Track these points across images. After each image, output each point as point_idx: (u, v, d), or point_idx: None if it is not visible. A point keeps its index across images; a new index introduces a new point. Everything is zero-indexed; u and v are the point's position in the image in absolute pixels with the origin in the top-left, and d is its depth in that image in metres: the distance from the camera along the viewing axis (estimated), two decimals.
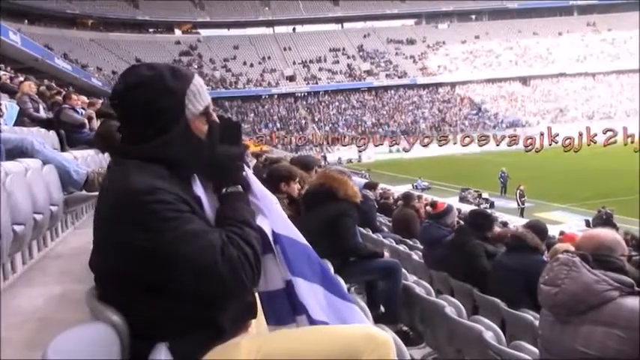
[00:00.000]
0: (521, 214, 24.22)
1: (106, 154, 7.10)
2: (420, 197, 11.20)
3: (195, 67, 72.10)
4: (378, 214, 10.45)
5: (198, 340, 1.63)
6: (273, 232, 1.91)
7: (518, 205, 26.52)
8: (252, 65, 74.00)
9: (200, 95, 1.80)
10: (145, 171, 1.64)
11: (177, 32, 79.72)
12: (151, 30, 77.35)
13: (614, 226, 17.38)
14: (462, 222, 8.07)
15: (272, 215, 1.94)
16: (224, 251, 1.58)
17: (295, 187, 4.46)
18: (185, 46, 75.59)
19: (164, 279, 1.58)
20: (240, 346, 1.65)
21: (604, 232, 2.90)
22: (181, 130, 1.74)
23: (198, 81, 1.82)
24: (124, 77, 1.76)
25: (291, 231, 1.98)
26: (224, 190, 1.80)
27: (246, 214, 1.75)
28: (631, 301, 2.49)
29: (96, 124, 8.59)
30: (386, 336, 1.69)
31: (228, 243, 1.60)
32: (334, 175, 4.75)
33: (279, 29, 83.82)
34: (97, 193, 1.82)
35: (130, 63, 64.49)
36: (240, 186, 1.83)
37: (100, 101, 12.94)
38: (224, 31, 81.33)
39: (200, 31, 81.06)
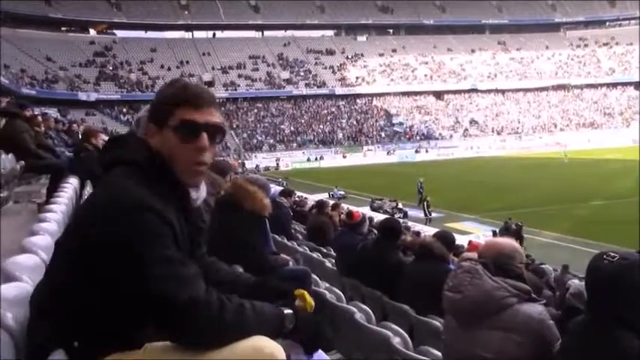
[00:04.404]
0: (428, 224, 24.84)
1: (10, 155, 6.69)
2: (337, 206, 11.31)
3: (110, 68, 70.00)
4: (293, 221, 10.46)
5: (101, 346, 1.57)
6: None
7: (426, 215, 27.25)
8: (169, 69, 72.57)
9: None
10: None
11: (92, 32, 77.14)
12: (63, 29, 74.40)
13: (520, 237, 18.20)
14: (374, 230, 8.20)
15: None
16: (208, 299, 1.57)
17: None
18: (100, 46, 73.19)
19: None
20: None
21: (504, 241, 3.03)
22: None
23: None
24: None
25: None
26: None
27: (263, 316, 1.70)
28: (527, 308, 2.61)
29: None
30: (274, 346, 1.63)
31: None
32: (243, 186, 4.62)
33: (198, 34, 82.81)
34: None
35: (40, 61, 62.48)
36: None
37: (6, 100, 12.33)
38: (141, 33, 79.42)
39: (116, 32, 78.89)
